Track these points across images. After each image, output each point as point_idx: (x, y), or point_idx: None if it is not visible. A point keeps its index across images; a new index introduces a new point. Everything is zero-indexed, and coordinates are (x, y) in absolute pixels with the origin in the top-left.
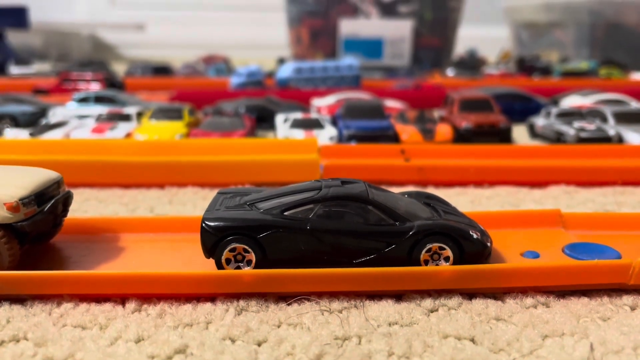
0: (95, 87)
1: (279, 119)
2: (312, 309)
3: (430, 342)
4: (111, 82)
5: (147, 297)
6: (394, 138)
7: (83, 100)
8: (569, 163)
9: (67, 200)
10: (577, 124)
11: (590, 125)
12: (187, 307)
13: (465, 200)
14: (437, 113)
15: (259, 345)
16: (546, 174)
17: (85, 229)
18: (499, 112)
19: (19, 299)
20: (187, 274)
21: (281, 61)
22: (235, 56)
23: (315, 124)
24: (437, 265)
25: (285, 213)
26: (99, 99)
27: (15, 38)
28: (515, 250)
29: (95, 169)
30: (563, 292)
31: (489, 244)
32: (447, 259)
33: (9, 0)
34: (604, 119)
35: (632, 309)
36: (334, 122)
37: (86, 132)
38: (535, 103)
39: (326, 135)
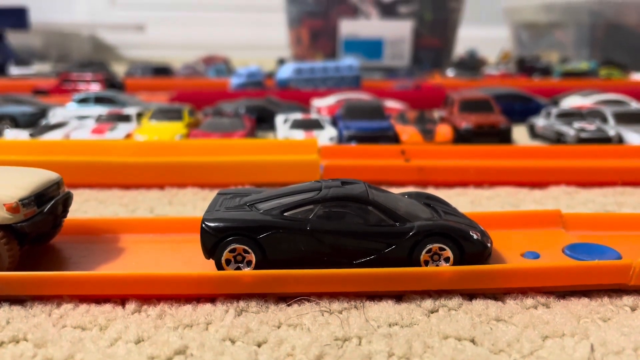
0: (95, 88)
1: (279, 119)
2: (312, 310)
3: (430, 342)
4: (111, 83)
5: (147, 298)
6: (394, 139)
7: (83, 100)
8: (569, 163)
9: (67, 201)
10: (577, 124)
11: (591, 126)
12: (187, 308)
13: (465, 201)
14: (437, 113)
15: (259, 346)
16: (546, 175)
17: (85, 230)
18: (499, 113)
19: (18, 300)
20: (187, 274)
21: (281, 62)
22: (235, 57)
23: (315, 125)
24: (437, 265)
25: (285, 214)
26: (99, 100)
27: (15, 39)
28: (515, 251)
29: (95, 170)
30: (563, 293)
31: (489, 245)
32: (447, 259)
33: (9, 0)
34: (604, 120)
35: (633, 309)
36: (334, 123)
37: (86, 133)
38: (535, 103)
39: (326, 135)
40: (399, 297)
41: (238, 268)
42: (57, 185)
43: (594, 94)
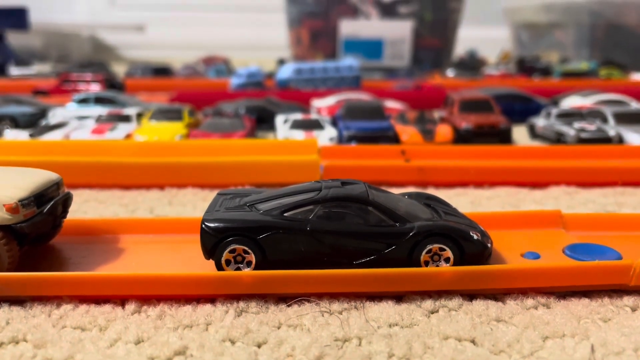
0: (95, 88)
1: (279, 119)
2: (312, 310)
3: (430, 343)
4: (111, 83)
5: (146, 299)
6: (394, 139)
7: (83, 101)
8: (570, 164)
9: (66, 201)
10: (578, 124)
11: (591, 126)
12: (187, 309)
13: (465, 201)
14: (437, 114)
15: (259, 346)
16: (546, 175)
17: (85, 230)
18: (499, 113)
19: (18, 301)
20: (186, 275)
21: (281, 62)
22: (235, 57)
23: (315, 125)
24: (437, 266)
25: (285, 214)
26: (98, 100)
27: (15, 39)
28: (515, 251)
29: (95, 170)
30: (564, 293)
31: (489, 245)
32: (447, 260)
33: (9, 1)
34: (604, 120)
35: (633, 310)
36: (334, 123)
37: (86, 133)
38: (535, 104)
39: (326, 136)
40: (399, 297)
41: (238, 268)
42: (56, 185)
43: (594, 94)
